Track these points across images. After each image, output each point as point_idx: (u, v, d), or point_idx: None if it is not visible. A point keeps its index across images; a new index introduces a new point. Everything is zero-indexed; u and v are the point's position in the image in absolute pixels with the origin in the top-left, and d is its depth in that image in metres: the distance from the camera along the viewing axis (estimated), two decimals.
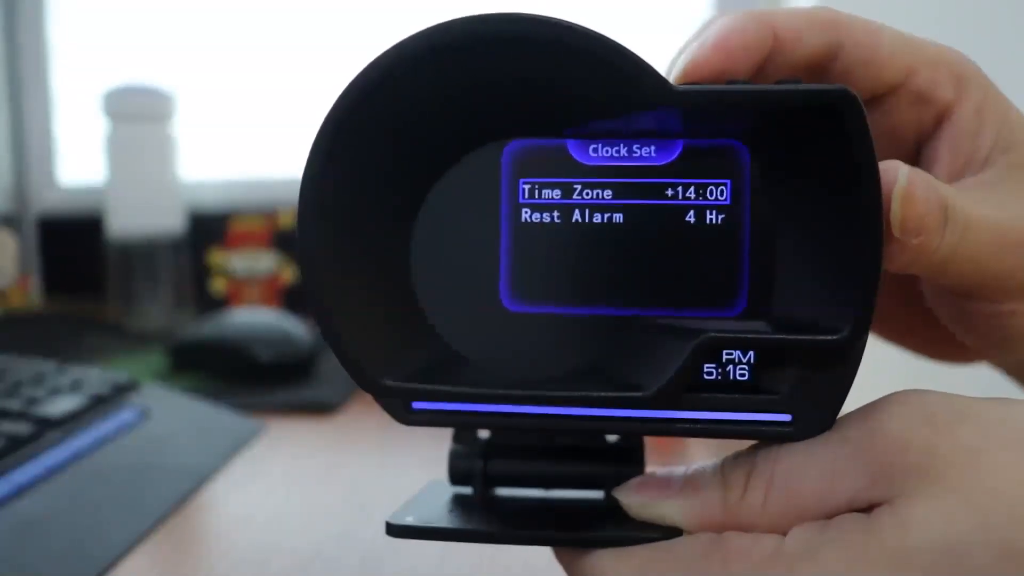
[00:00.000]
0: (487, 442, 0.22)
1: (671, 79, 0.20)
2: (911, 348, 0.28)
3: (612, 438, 0.22)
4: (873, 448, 0.18)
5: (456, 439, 0.22)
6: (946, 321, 0.24)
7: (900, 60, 0.21)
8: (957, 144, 0.22)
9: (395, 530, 0.20)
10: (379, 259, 0.20)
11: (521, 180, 0.20)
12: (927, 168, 0.23)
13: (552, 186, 0.20)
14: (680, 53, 0.21)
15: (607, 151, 0.20)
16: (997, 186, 0.21)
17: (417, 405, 0.19)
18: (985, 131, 0.22)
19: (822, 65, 0.21)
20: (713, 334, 0.18)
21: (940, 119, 0.22)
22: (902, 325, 0.27)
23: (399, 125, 0.19)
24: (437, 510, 0.21)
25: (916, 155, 0.23)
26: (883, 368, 0.28)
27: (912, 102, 0.22)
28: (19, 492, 0.31)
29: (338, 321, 0.19)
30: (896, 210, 0.18)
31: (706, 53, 0.20)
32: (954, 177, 0.22)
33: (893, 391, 0.19)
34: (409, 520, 0.20)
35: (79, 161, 0.96)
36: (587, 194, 0.20)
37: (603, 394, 0.18)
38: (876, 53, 0.21)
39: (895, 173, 0.18)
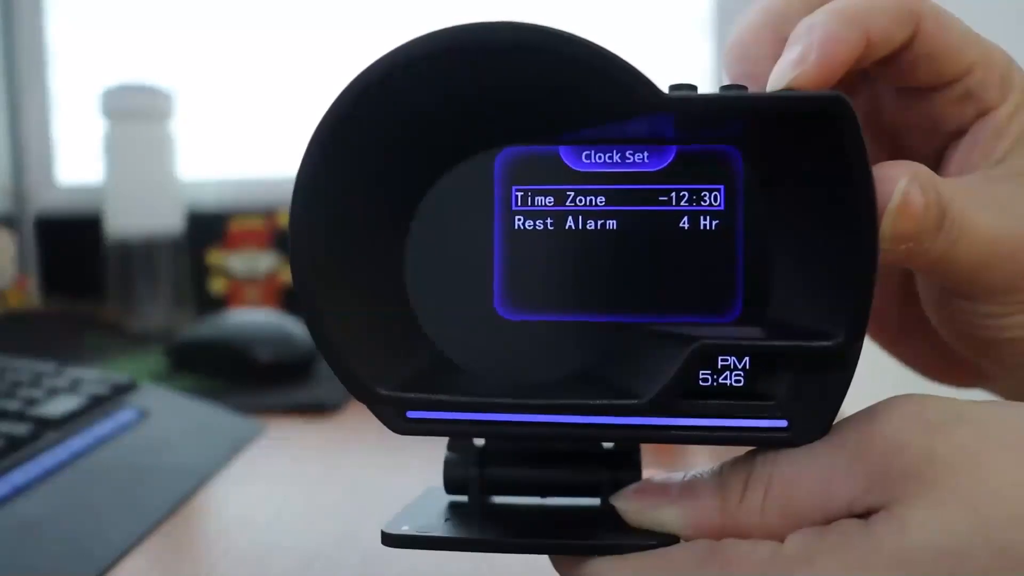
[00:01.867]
0: (482, 450, 0.22)
1: (769, 89, 0.20)
2: (905, 360, 0.28)
3: (608, 445, 0.22)
4: (870, 453, 0.18)
5: (451, 447, 0.22)
6: (933, 317, 0.24)
7: (963, 57, 0.21)
8: (978, 141, 0.22)
9: (391, 540, 0.20)
10: (373, 266, 0.20)
11: (514, 187, 0.20)
12: (944, 159, 0.23)
13: (545, 193, 0.20)
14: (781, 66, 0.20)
15: (600, 157, 0.20)
16: (1001, 186, 0.21)
17: (412, 414, 0.19)
18: (1009, 134, 0.21)
19: (895, 56, 0.21)
20: (708, 341, 0.18)
21: (977, 118, 0.22)
22: (898, 330, 0.27)
23: (393, 132, 0.19)
24: (433, 518, 0.21)
25: (946, 148, 0.23)
26: (879, 373, 0.28)
27: (960, 99, 0.22)
28: (18, 493, 0.31)
29: (331, 329, 0.19)
30: (887, 227, 0.18)
31: (811, 73, 0.19)
32: (964, 171, 0.22)
33: (890, 396, 0.19)
34: (405, 529, 0.20)
35: (78, 160, 0.96)
36: (580, 201, 0.20)
37: (598, 402, 0.18)
38: (944, 48, 0.21)
39: (892, 187, 0.18)
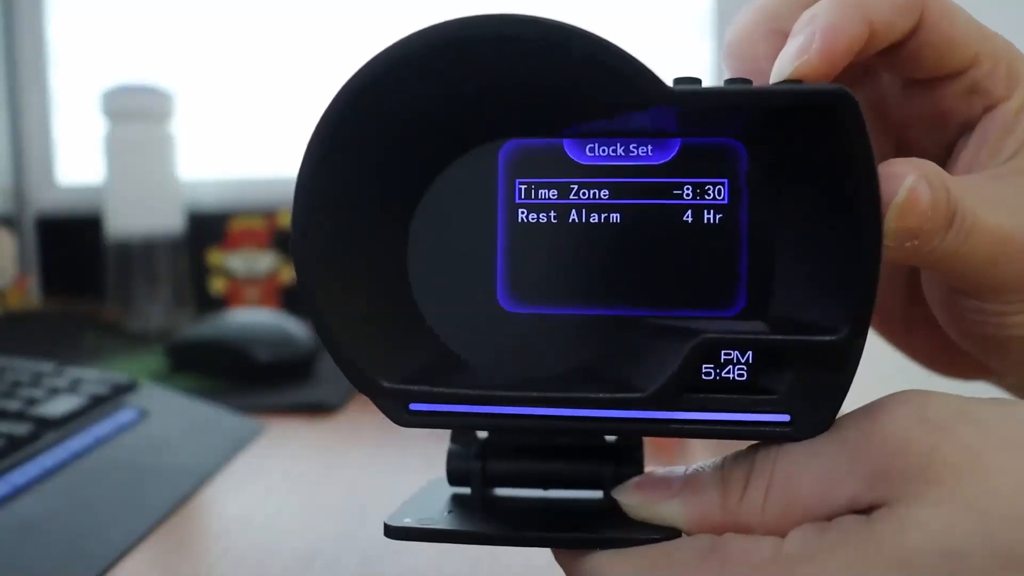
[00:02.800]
0: (485, 442, 0.22)
1: (772, 80, 0.20)
2: (909, 353, 0.28)
3: (611, 438, 0.22)
4: (872, 449, 0.18)
5: (454, 439, 0.22)
6: (939, 314, 0.24)
7: (968, 49, 0.21)
8: (987, 139, 0.22)
9: (393, 532, 0.20)
10: (375, 260, 0.20)
11: (517, 180, 0.20)
12: (953, 156, 0.22)
13: (548, 186, 0.20)
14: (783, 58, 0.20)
15: (604, 150, 0.20)
16: (1009, 184, 0.21)
17: (415, 406, 0.19)
18: (1017, 131, 0.21)
19: (899, 46, 0.21)
20: (710, 335, 0.18)
21: (985, 112, 0.22)
22: (903, 324, 0.27)
23: (395, 125, 0.19)
24: (436, 511, 0.21)
25: (954, 144, 0.23)
26: (883, 368, 0.28)
27: (966, 92, 0.22)
28: (18, 493, 0.31)
29: (334, 322, 0.19)
30: (891, 222, 0.18)
31: (814, 62, 0.19)
32: (973, 168, 0.22)
33: (893, 391, 0.19)
34: (407, 521, 0.20)
35: (78, 160, 0.96)
36: (584, 194, 0.20)
37: (601, 395, 0.18)
38: (948, 39, 0.21)
39: (899, 183, 0.18)
